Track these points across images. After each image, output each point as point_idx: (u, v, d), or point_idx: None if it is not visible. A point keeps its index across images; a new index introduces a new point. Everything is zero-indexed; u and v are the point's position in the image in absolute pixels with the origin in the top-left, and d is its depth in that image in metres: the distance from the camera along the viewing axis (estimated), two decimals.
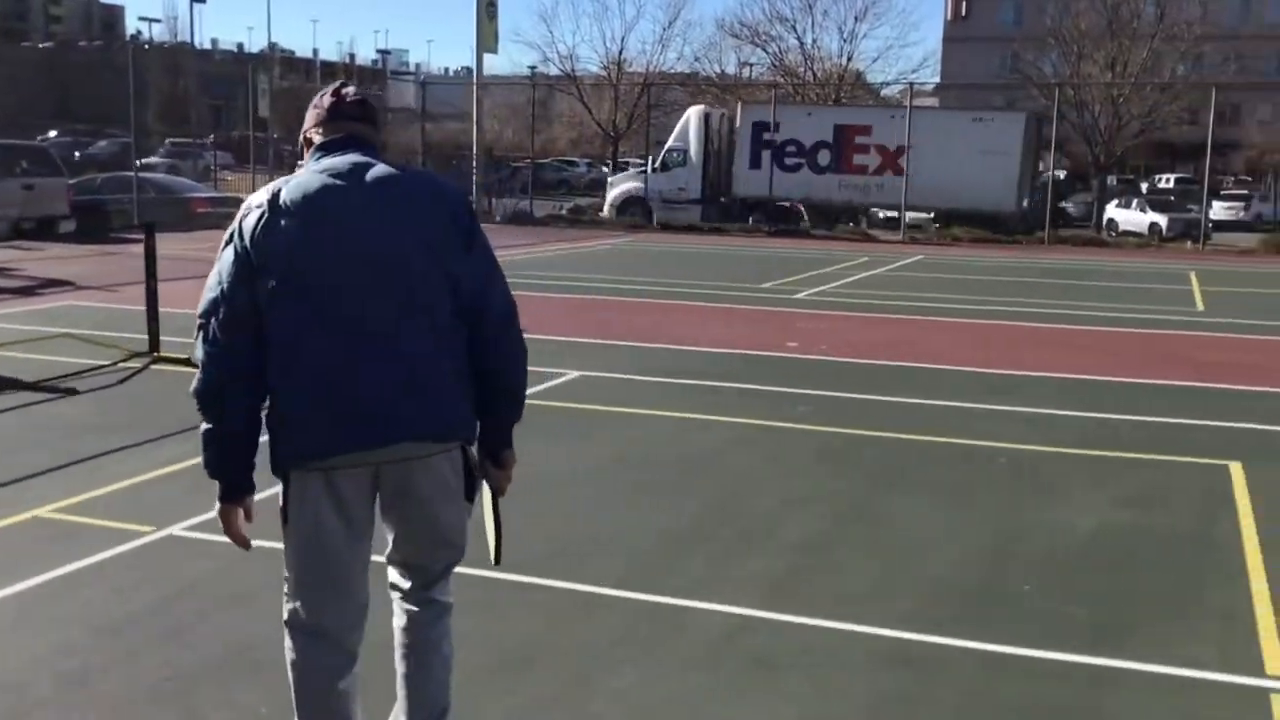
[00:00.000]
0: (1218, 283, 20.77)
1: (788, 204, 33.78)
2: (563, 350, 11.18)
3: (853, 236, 32.99)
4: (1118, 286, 19.55)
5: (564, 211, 37.48)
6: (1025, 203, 32.21)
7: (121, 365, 9.87)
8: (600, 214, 36.61)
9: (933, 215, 31.98)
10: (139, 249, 22.87)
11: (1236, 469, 7.39)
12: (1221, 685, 4.39)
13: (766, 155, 32.89)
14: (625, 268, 20.79)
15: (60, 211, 23.85)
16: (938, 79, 62.68)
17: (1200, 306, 16.89)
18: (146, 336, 10.15)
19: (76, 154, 41.56)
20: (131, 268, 17.02)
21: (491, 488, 3.42)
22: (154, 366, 9.80)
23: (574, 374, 10.03)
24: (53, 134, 46.47)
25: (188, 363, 9.66)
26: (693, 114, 34.47)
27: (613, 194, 35.29)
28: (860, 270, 21.50)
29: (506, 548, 3.43)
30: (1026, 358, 11.60)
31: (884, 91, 50.83)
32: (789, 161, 32.92)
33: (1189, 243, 31.78)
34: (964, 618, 4.93)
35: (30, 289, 14.91)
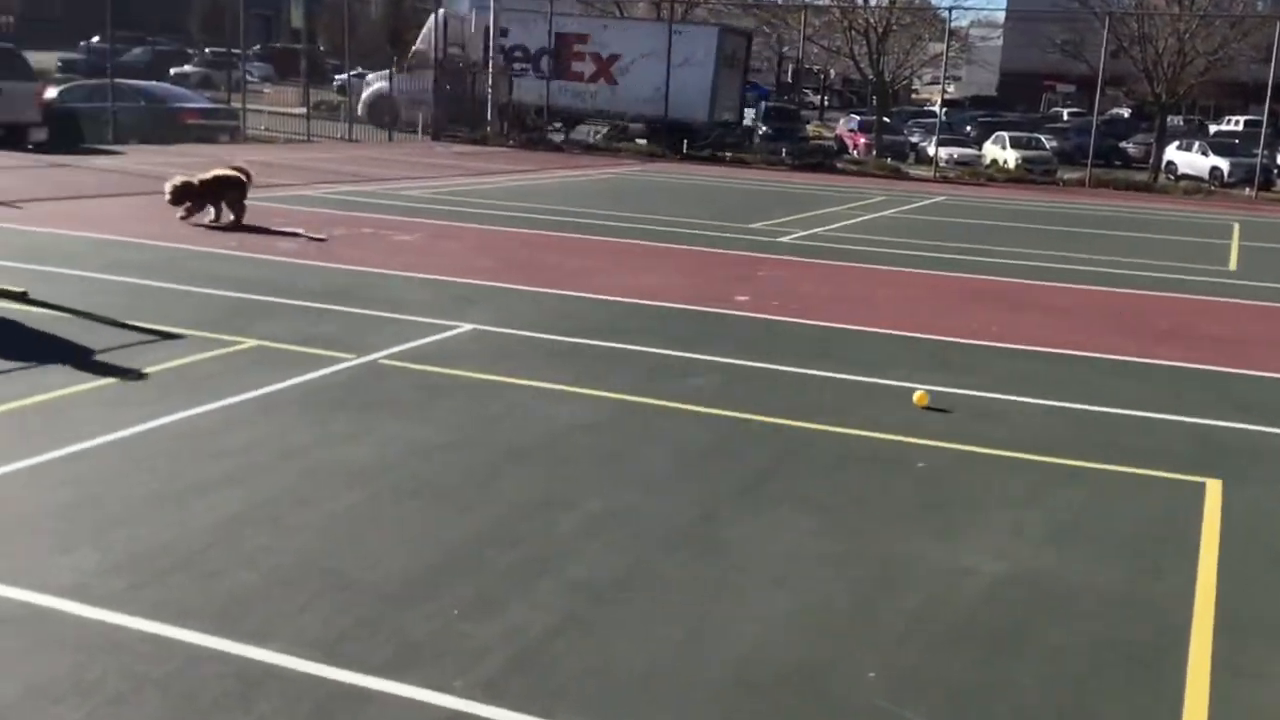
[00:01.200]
0: (1262, 237, 18.80)
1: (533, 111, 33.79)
2: (473, 297, 9.77)
3: (884, 173, 31.09)
4: (1146, 238, 17.68)
5: (594, 138, 35.89)
6: (729, 116, 33.62)
7: None
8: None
9: (644, 126, 33.33)
10: (103, 162, 22.07)
11: (1213, 490, 5.83)
12: None
13: (500, 60, 33.92)
14: (612, 200, 19.22)
15: (31, 118, 22.66)
16: (1004, 9, 59.77)
17: (1232, 265, 15.05)
18: None
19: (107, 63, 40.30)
20: (65, 184, 15.84)
21: None
22: None
23: (466, 327, 8.62)
24: (94, 39, 45.24)
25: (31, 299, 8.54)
26: (432, 18, 34.93)
27: (365, 94, 35.67)
28: (870, 210, 19.77)
29: None
30: (998, 322, 9.97)
31: (955, 21, 48.33)
32: (518, 67, 33.96)
33: (1248, 189, 29.54)
34: None
35: None
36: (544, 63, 33.53)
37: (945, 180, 29.93)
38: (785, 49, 53.92)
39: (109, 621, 3.89)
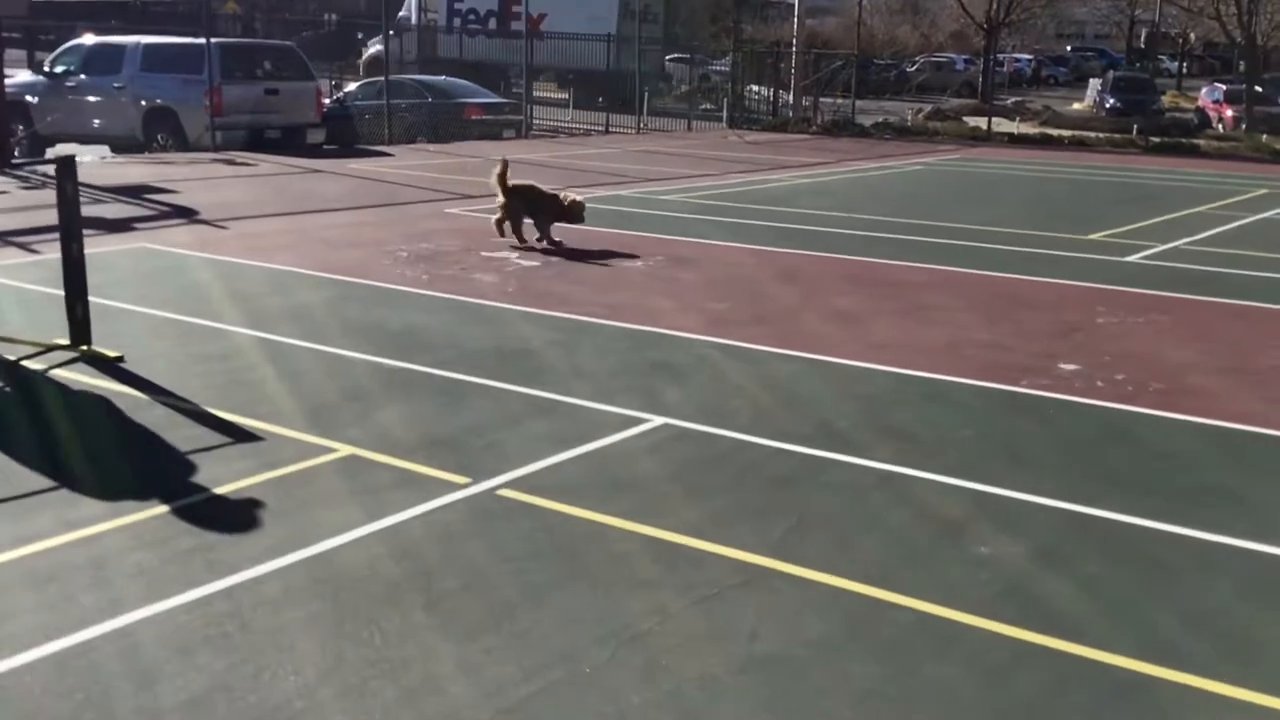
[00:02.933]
0: None
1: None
2: (684, 363, 7.24)
3: (1260, 154, 25.87)
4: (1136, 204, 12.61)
5: (908, 120, 32.46)
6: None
7: (24, 359, 6.96)
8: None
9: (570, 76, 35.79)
10: (363, 166, 21.02)
11: None
12: None
13: (458, 21, 38.62)
14: (909, 202, 16.06)
15: (308, 119, 22.13)
16: None
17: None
18: (67, 322, 7.18)
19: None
20: (303, 195, 14.54)
21: None
22: (55, 371, 6.81)
23: (657, 421, 6.12)
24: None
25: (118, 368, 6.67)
26: None
27: (365, 55, 39.76)
28: (1249, 209, 15.55)
29: None
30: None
31: None
32: (471, 26, 38.25)
33: None
34: None
35: (141, 219, 12.67)
36: (490, 21, 37.52)
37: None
38: (1138, 11, 47.77)
39: None
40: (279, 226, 12.32)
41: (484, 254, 10.89)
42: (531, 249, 11.19)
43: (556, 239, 11.45)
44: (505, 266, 10.31)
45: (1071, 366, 7.31)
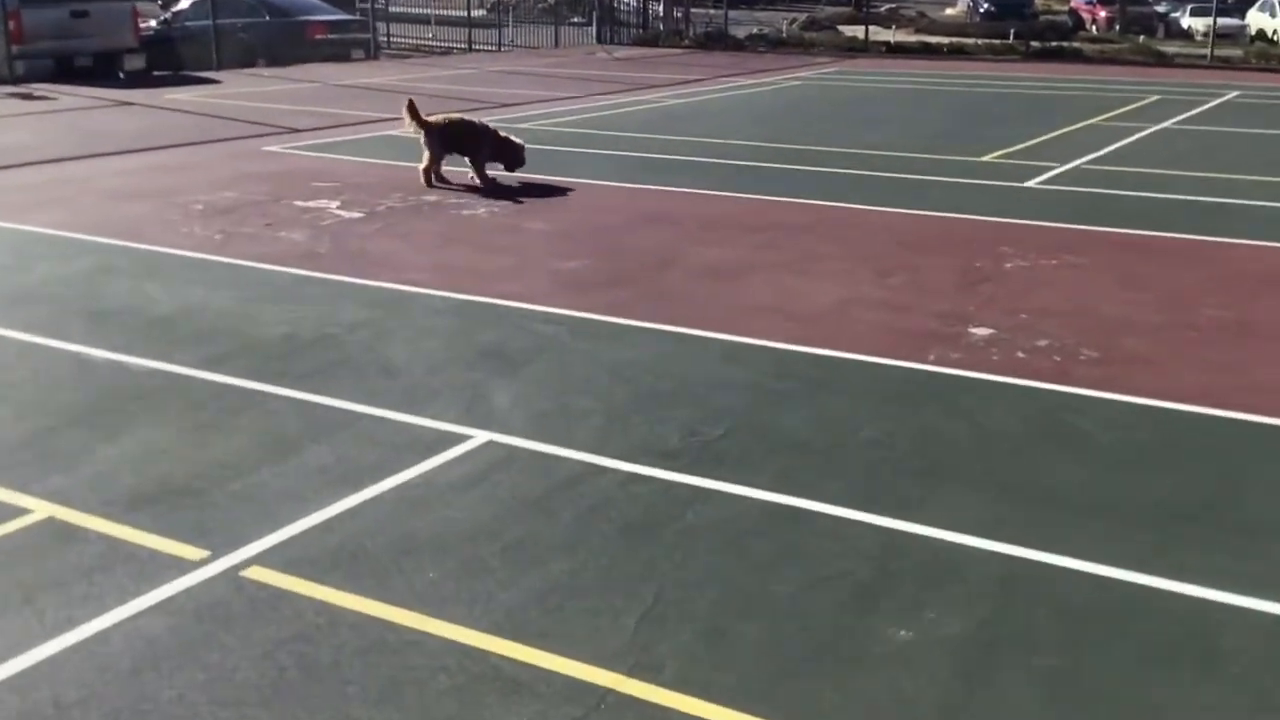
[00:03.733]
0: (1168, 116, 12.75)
1: None
2: (523, 349, 5.86)
3: (1139, 57, 25.29)
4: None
5: (783, 32, 31.03)
6: None
7: None
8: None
9: None
10: (181, 96, 18.42)
11: None
12: None
13: None
14: (787, 123, 14.76)
15: (124, 44, 19.80)
16: None
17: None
18: None
19: None
20: (97, 135, 12.34)
21: None
22: None
23: (481, 439, 4.77)
24: None
25: None
26: None
27: None
28: (1145, 119, 14.63)
29: None
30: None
31: None
32: None
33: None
34: None
35: None
36: None
37: (1224, 66, 23.86)
38: None
39: None
40: (56, 175, 10.46)
41: (297, 203, 9.27)
42: (444, 188, 9.81)
43: (491, 175, 10.08)
44: (320, 219, 8.72)
45: (984, 331, 6.13)
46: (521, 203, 9.46)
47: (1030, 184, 10.40)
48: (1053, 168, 11.14)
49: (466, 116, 10.51)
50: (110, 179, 10.26)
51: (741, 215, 9.01)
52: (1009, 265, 7.49)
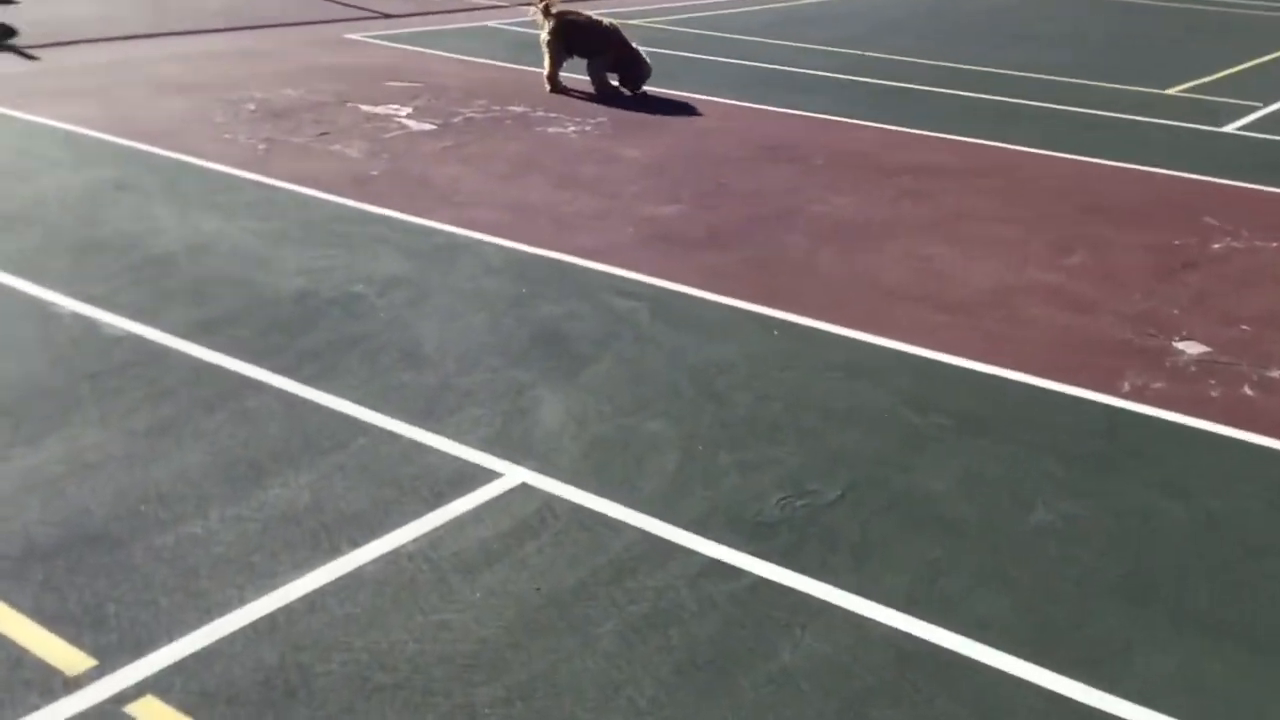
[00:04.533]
0: None
1: None
2: (579, 343, 4.62)
3: None
4: None
5: None
6: None
7: None
8: None
9: None
10: None
11: None
12: None
13: None
14: (931, 30, 12.97)
15: None
16: None
17: None
18: None
19: None
20: (177, 9, 11.06)
21: None
22: None
23: (515, 480, 3.59)
24: None
25: None
26: None
27: None
28: None
29: None
30: None
31: None
32: None
33: None
34: None
35: None
36: None
37: None
38: None
39: None
40: (113, 56, 9.39)
41: (363, 107, 8.05)
42: (570, 95, 8.62)
43: (614, 83, 8.80)
44: (384, 130, 7.49)
45: (1194, 348, 4.66)
46: (618, 121, 8.10)
47: (1229, 129, 8.64)
48: (1255, 108, 9.32)
49: (595, 15, 9.07)
50: (168, 64, 9.16)
51: (877, 151, 7.52)
52: (1217, 245, 5.93)
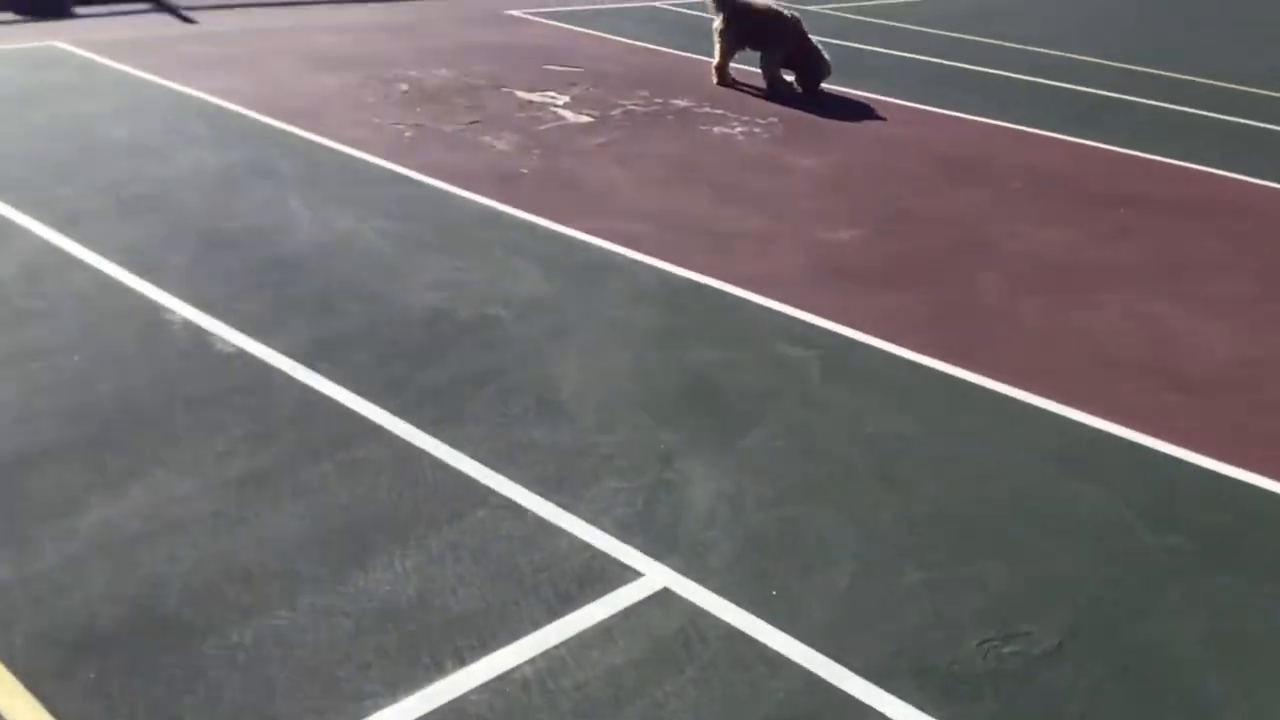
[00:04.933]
0: None
1: None
2: (746, 410, 4.01)
3: None
4: None
5: None
6: None
7: None
8: None
9: None
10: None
11: None
12: None
13: None
14: (1143, 27, 11.83)
15: None
16: None
17: None
18: None
19: None
20: None
21: None
22: None
23: (657, 585, 3.02)
24: None
25: None
26: None
27: None
28: None
29: None
30: None
31: None
32: None
33: None
34: None
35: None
36: None
37: None
38: None
39: None
40: (265, 23, 9.13)
41: (519, 93, 7.55)
42: (739, 89, 8.03)
43: (789, 79, 8.15)
44: (538, 121, 6.98)
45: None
46: (791, 122, 7.42)
47: None
48: None
49: (775, 4, 8.35)
50: (320, 36, 8.84)
51: (1084, 175, 6.67)
52: None
